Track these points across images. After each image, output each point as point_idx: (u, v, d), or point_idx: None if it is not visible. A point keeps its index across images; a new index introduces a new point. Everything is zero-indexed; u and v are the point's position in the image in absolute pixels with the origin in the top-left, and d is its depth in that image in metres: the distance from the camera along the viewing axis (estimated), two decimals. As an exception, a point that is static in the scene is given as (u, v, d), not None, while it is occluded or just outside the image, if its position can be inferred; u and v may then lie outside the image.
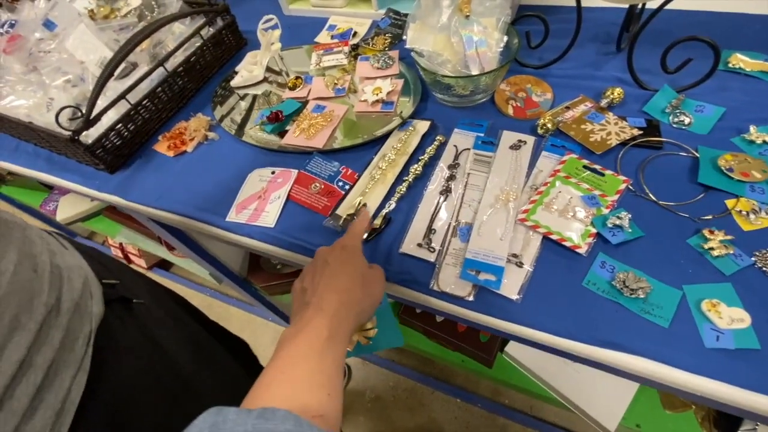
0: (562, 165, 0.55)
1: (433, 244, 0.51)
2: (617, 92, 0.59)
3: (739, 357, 0.39)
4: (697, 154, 0.53)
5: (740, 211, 0.47)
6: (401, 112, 0.66)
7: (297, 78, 0.76)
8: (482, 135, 0.61)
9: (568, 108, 0.61)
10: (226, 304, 1.70)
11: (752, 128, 0.53)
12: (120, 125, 0.70)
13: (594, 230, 0.48)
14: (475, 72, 0.61)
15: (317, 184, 0.60)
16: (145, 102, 0.73)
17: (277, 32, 0.81)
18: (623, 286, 0.43)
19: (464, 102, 0.66)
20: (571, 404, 0.82)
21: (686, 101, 0.58)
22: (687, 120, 0.56)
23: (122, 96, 0.70)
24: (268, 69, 0.82)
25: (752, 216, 0.46)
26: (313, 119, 0.67)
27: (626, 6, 0.63)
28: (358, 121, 0.68)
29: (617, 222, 0.47)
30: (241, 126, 0.72)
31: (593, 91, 0.63)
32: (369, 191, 0.58)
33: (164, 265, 1.82)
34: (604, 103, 0.60)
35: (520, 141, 0.59)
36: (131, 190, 0.69)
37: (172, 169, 0.70)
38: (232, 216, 0.60)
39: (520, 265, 0.48)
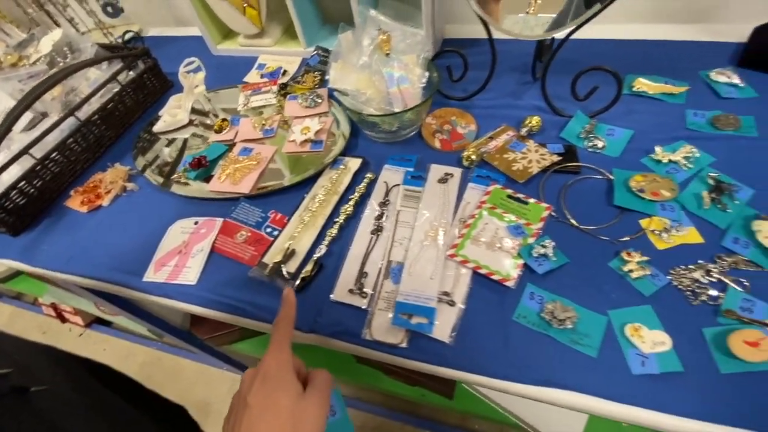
0: (488, 196, 0.55)
1: (365, 289, 0.49)
2: (535, 120, 0.62)
3: (664, 381, 0.39)
4: (612, 177, 0.55)
5: (654, 231, 0.49)
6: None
7: (223, 120, 0.73)
8: (411, 170, 0.61)
9: (491, 138, 0.63)
10: (176, 356, 1.57)
11: (657, 149, 0.56)
12: (23, 183, 0.64)
13: (521, 261, 0.48)
14: (398, 109, 0.61)
15: (244, 233, 0.57)
16: (54, 155, 0.68)
17: (201, 75, 0.79)
18: (552, 317, 0.43)
19: (393, 137, 0.66)
20: (531, 428, 0.81)
21: (598, 126, 0.61)
22: (600, 144, 0.59)
23: (24, 151, 0.64)
24: (196, 111, 0.79)
25: (664, 235, 0.48)
26: (239, 163, 0.65)
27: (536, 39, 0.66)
28: (287, 162, 0.65)
29: (542, 251, 0.48)
30: (164, 174, 0.68)
31: (515, 120, 0.65)
32: (298, 235, 0.55)
33: (104, 321, 1.67)
34: (524, 131, 0.62)
35: (447, 174, 0.59)
36: (38, 253, 0.62)
37: (86, 226, 0.64)
38: (150, 275, 0.55)
39: (451, 303, 0.46)
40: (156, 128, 0.76)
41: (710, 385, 0.38)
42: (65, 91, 0.78)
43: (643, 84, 0.65)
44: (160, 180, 0.67)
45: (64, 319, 1.65)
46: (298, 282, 0.50)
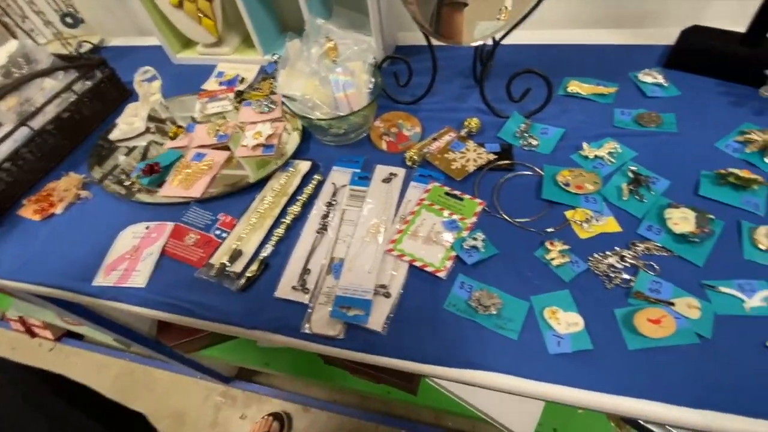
0: (427, 193, 0.58)
1: (307, 285, 0.51)
2: (474, 122, 0.65)
3: (576, 359, 0.42)
4: (542, 173, 0.58)
5: (576, 221, 0.52)
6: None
7: (178, 127, 0.75)
8: (359, 171, 0.63)
9: (434, 139, 0.66)
10: (150, 367, 1.55)
11: (585, 145, 0.60)
12: (-27, 193, 0.64)
13: (453, 253, 0.51)
14: (344, 113, 0.64)
15: (193, 236, 0.58)
16: (5, 165, 0.68)
17: (157, 83, 0.80)
18: (478, 304, 0.46)
19: (343, 140, 0.68)
20: (492, 420, 0.83)
21: (534, 125, 0.65)
22: (534, 142, 0.62)
23: (-26, 161, 0.65)
24: (154, 119, 0.80)
25: (585, 225, 0.51)
26: (191, 168, 0.66)
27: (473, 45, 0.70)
28: (239, 166, 0.67)
29: (473, 243, 0.51)
30: (118, 182, 0.69)
31: (457, 122, 0.68)
32: (246, 236, 0.57)
33: (75, 334, 1.64)
34: (464, 132, 0.65)
35: (391, 174, 0.62)
36: (-12, 262, 0.62)
37: (38, 234, 0.65)
38: (99, 279, 0.56)
39: (387, 295, 0.49)
40: (112, 136, 0.77)
41: (619, 361, 0.41)
42: (20, 101, 0.78)
43: (577, 86, 0.69)
44: (114, 187, 0.68)
45: (33, 334, 1.62)
46: (243, 281, 0.52)
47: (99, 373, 1.61)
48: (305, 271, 0.52)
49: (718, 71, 0.67)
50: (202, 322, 0.51)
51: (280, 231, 0.57)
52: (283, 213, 0.60)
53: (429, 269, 0.50)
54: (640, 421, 0.77)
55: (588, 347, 0.42)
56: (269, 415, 1.33)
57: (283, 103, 0.74)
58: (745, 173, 0.52)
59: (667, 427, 0.79)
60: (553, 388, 0.41)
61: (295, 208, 0.59)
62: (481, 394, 0.86)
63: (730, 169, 0.53)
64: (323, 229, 0.57)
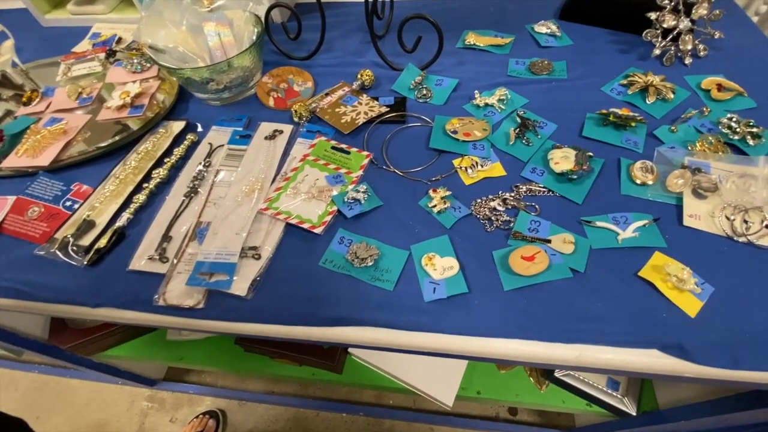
0: (312, 149, 0.53)
1: (167, 254, 0.45)
2: (367, 74, 0.61)
3: (452, 304, 0.39)
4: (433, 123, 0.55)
5: (462, 168, 0.49)
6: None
7: (33, 91, 0.64)
8: (240, 129, 0.57)
9: (327, 94, 0.61)
10: (64, 378, 1.40)
11: (476, 93, 0.58)
12: None
13: (334, 208, 0.47)
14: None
15: (36, 209, 0.50)
16: None
17: (9, 43, 0.69)
18: (354, 257, 0.42)
19: (226, 99, 0.61)
20: (419, 391, 0.82)
21: (429, 77, 0.62)
22: (428, 94, 0.59)
23: None
24: (11, 86, 0.68)
25: (470, 171, 0.49)
26: (40, 134, 0.57)
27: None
28: (101, 129, 0.59)
29: (354, 195, 0.47)
30: (-47, 155, 0.58)
31: (354, 77, 0.64)
32: (100, 206, 0.49)
33: (-28, 348, 1.45)
34: (356, 85, 0.61)
35: (276, 131, 0.56)
36: None
37: None
38: None
39: (257, 257, 0.44)
40: (-47, 106, 0.65)
41: (494, 303, 0.39)
42: None
43: (475, 38, 0.67)
44: (-54, 161, 0.57)
45: None
46: (90, 255, 0.45)
47: (6, 390, 1.43)
48: (165, 238, 0.46)
49: (608, 21, 0.67)
50: (39, 304, 0.44)
51: (141, 197, 0.50)
52: (147, 178, 0.52)
53: (306, 226, 0.45)
54: (556, 374, 0.78)
55: (464, 290, 0.39)
56: (204, 413, 1.25)
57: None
58: (624, 111, 0.52)
59: (581, 378, 0.81)
60: (424, 337, 0.38)
61: (162, 172, 0.52)
62: (403, 365, 0.83)
63: (611, 109, 0.52)
64: (192, 192, 0.50)
